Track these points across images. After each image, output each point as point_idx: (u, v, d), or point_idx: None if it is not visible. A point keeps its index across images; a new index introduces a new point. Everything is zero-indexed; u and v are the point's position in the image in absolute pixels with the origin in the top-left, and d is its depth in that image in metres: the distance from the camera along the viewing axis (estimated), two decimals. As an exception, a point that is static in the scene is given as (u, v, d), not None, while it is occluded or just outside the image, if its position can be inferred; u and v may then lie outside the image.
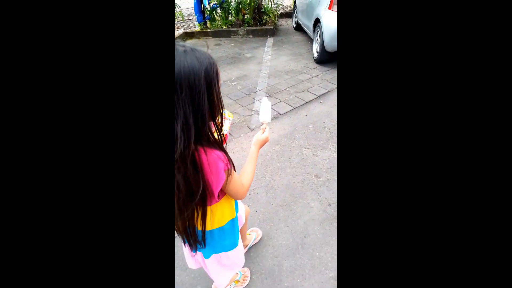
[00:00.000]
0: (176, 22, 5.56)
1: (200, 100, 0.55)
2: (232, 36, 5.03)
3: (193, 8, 5.08)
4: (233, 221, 0.85)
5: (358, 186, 0.45)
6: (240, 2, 4.93)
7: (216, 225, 0.79)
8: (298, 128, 2.27)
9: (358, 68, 0.45)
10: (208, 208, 0.71)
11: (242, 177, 0.76)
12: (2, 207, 0.38)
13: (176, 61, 0.52)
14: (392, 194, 0.43)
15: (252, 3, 4.95)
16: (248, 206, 1.58)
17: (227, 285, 1.12)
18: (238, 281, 1.19)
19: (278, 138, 2.15)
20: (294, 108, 2.57)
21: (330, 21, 3.04)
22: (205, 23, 5.24)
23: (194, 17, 5.31)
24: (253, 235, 1.38)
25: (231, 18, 5.20)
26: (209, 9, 5.05)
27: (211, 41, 4.95)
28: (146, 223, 0.43)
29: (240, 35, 5.00)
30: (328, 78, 3.10)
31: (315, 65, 3.51)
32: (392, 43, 0.43)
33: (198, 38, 5.13)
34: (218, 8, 5.15)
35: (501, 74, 0.39)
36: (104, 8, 0.41)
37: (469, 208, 0.40)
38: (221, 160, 0.62)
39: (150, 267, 0.43)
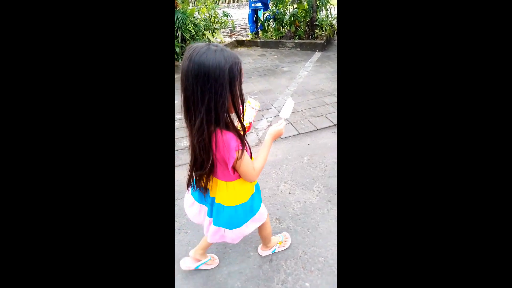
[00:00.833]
0: (229, 30, 5.75)
1: (223, 90, 0.67)
2: (279, 48, 4.91)
3: (247, 18, 5.17)
4: (243, 206, 0.92)
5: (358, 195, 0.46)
6: (295, 14, 4.77)
7: (227, 203, 0.89)
8: (291, 158, 1.98)
9: (358, 71, 0.46)
10: (224, 184, 0.87)
11: (254, 162, 0.87)
12: (3, 206, 0.39)
13: (207, 58, 0.65)
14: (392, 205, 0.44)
15: (306, 16, 4.73)
16: (187, 236, 1.42)
17: (272, 247, 1.27)
18: (281, 242, 1.30)
19: (263, 164, 1.91)
20: (300, 134, 2.27)
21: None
22: (257, 33, 5.27)
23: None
24: (209, 257, 1.25)
25: (283, 29, 5.08)
26: (262, 19, 5.05)
27: (258, 51, 4.93)
28: (146, 218, 0.45)
29: (287, 47, 4.84)
30: (357, 105, 2.66)
31: (351, 88, 3.08)
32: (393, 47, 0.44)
33: (247, 46, 5.18)
34: (272, 19, 5.10)
35: (500, 74, 0.39)
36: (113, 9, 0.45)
37: (466, 205, 0.41)
38: (234, 140, 0.74)
39: (149, 262, 0.44)
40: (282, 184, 1.74)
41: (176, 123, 2.43)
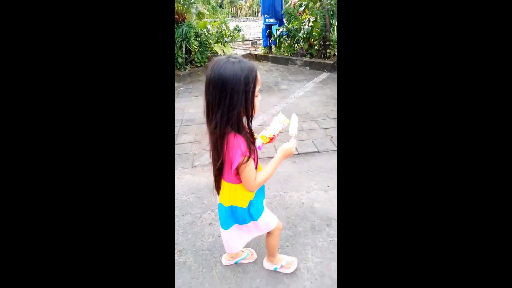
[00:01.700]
0: (250, 43, 5.79)
1: (237, 97, 0.75)
2: (289, 65, 4.80)
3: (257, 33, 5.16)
4: (239, 210, 0.96)
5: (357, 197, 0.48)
6: (309, 32, 4.65)
7: (228, 203, 0.96)
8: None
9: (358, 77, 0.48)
10: (228, 185, 0.93)
11: (259, 174, 0.90)
12: (3, 206, 0.40)
13: (225, 69, 0.74)
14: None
15: (321, 34, 4.57)
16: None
17: (275, 265, 1.25)
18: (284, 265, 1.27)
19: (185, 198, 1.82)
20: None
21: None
22: (270, 48, 5.23)
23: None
24: (246, 253, 1.32)
25: (297, 46, 4.97)
26: (275, 35, 5.01)
27: (268, 65, 4.88)
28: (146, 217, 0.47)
29: (297, 64, 4.71)
30: (335, 136, 2.44)
31: (340, 115, 2.84)
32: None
33: (258, 60, 5.17)
34: (286, 36, 5.03)
35: (500, 75, 0.40)
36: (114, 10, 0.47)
37: (464, 205, 0.42)
38: (244, 145, 0.80)
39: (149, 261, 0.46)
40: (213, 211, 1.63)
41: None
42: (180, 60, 3.91)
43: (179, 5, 4.09)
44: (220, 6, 7.04)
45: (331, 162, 2.05)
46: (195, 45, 3.96)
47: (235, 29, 4.67)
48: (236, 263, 1.28)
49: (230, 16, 5.69)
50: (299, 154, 2.19)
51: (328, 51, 4.67)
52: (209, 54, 4.36)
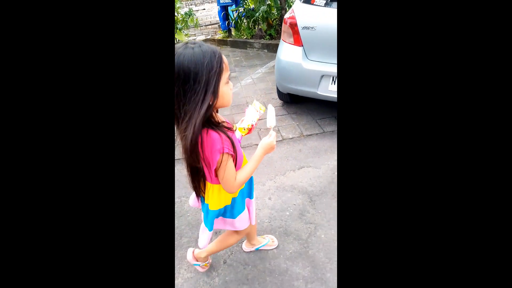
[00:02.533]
0: (191, 27, 5.39)
1: (202, 86, 0.65)
2: (248, 48, 4.53)
3: (217, 15, 4.84)
4: (217, 212, 0.89)
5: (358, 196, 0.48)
6: (267, 11, 4.33)
7: (217, 206, 0.88)
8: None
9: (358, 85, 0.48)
10: (211, 186, 0.84)
11: (238, 173, 0.81)
12: (3, 207, 0.40)
13: (184, 58, 0.63)
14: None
15: (279, 14, 4.26)
16: None
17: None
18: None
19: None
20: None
21: (281, 54, 2.20)
22: (229, 31, 4.92)
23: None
24: (267, 240, 1.31)
25: (256, 28, 4.67)
26: (233, 17, 4.69)
27: (226, 51, 4.60)
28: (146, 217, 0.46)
29: (255, 48, 4.44)
30: (263, 128, 2.28)
31: (285, 105, 2.67)
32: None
33: (217, 45, 4.88)
34: (244, 17, 4.71)
35: (500, 75, 0.40)
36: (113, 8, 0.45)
37: (465, 206, 0.42)
38: (218, 142, 0.70)
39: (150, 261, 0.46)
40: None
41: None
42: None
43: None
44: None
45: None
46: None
47: (186, 14, 4.35)
48: (257, 249, 1.27)
49: (181, 1, 5.27)
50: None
51: (286, 31, 4.37)
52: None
